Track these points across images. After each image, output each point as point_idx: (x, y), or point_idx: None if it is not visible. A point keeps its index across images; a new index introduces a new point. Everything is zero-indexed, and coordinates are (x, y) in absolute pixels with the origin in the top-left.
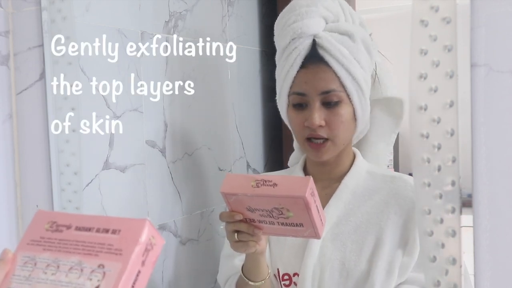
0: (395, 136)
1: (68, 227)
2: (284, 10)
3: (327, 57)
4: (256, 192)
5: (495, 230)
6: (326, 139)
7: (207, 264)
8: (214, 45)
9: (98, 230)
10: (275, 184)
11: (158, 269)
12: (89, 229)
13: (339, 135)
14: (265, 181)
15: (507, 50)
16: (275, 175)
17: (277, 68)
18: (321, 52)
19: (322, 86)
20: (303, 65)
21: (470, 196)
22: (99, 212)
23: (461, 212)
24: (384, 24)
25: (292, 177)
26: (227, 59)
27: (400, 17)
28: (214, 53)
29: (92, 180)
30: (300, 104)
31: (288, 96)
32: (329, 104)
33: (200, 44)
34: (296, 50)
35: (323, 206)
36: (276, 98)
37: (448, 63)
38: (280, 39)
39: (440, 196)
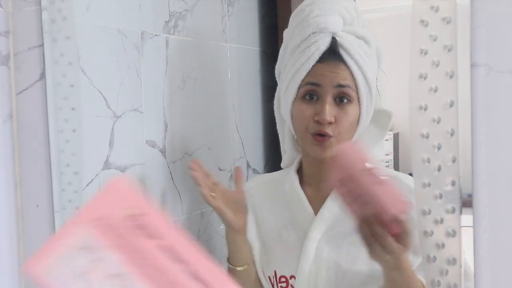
0: (381, 147)
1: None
2: (303, 3)
3: (346, 56)
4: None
5: (495, 230)
6: (331, 136)
7: None
8: (214, 45)
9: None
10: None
11: None
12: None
13: (343, 134)
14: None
15: (507, 50)
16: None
17: (285, 60)
18: (340, 50)
19: (340, 79)
20: (321, 60)
21: (470, 196)
22: None
23: (461, 212)
24: (384, 24)
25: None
26: (227, 59)
27: (400, 17)
28: (214, 53)
29: (92, 180)
30: (311, 96)
31: (299, 88)
32: (341, 100)
33: (200, 44)
34: (315, 44)
35: (318, 208)
36: (277, 92)
37: (448, 63)
38: (298, 31)
39: (440, 196)
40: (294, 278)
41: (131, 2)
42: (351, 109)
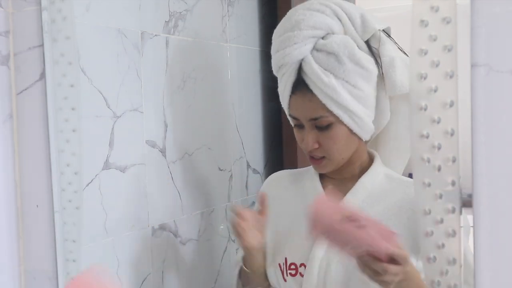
0: None
1: None
2: (276, 29)
3: (311, 85)
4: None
5: (496, 230)
6: (323, 156)
7: (207, 264)
8: (214, 45)
9: None
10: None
11: (158, 269)
12: None
13: (334, 154)
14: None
15: (507, 50)
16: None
17: None
18: (305, 79)
19: (310, 113)
20: (293, 91)
21: (470, 196)
22: (99, 212)
23: (461, 212)
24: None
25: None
26: (227, 59)
27: (400, 17)
28: (214, 53)
29: (92, 180)
30: (298, 125)
31: (289, 115)
32: (321, 127)
33: (200, 44)
34: (284, 77)
35: None
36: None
37: (448, 63)
38: (272, 61)
39: (440, 196)
40: (304, 266)
41: (131, 2)
42: (334, 131)
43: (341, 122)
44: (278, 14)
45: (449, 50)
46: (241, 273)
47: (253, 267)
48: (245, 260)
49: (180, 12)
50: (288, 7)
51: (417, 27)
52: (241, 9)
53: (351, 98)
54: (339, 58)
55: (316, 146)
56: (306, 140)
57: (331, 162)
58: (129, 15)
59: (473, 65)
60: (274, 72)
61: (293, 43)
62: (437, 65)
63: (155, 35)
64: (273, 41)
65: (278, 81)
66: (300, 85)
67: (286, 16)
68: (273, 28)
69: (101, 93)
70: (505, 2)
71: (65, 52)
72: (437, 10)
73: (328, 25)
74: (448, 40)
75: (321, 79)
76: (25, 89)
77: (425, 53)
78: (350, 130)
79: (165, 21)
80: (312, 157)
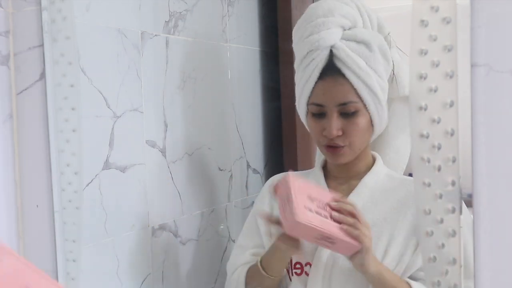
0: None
1: None
2: (301, 19)
3: (344, 69)
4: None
5: (496, 230)
6: (343, 146)
7: (207, 264)
8: (214, 45)
9: None
10: None
11: (158, 269)
12: None
13: (355, 142)
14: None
15: (507, 50)
16: None
17: (296, 75)
18: (338, 63)
19: (340, 98)
20: (321, 77)
21: (470, 196)
22: (99, 212)
23: (461, 212)
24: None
25: None
26: (227, 59)
27: (400, 17)
28: (214, 53)
29: (92, 180)
30: (318, 114)
31: (307, 105)
32: (347, 114)
33: (200, 44)
34: (313, 62)
35: None
36: (296, 104)
37: (448, 63)
38: (298, 49)
39: (440, 196)
40: (310, 265)
41: (131, 2)
42: (359, 119)
43: (365, 110)
44: (278, 14)
45: (449, 50)
46: (249, 279)
47: (277, 272)
48: (269, 263)
49: (180, 12)
50: (288, 7)
51: (417, 27)
52: (241, 9)
53: (378, 86)
54: (371, 46)
55: (340, 133)
56: (329, 127)
57: (351, 151)
58: (129, 15)
59: (473, 65)
60: (297, 62)
61: (327, 28)
62: (437, 65)
63: (155, 35)
64: (299, 29)
65: (301, 70)
66: (331, 70)
67: (311, 6)
68: (273, 28)
69: (101, 93)
70: (505, 2)
71: (65, 52)
72: (437, 10)
73: (354, 18)
74: (448, 40)
75: (356, 62)
76: (25, 89)
77: (425, 53)
78: (370, 121)
79: (165, 21)
80: (329, 146)
